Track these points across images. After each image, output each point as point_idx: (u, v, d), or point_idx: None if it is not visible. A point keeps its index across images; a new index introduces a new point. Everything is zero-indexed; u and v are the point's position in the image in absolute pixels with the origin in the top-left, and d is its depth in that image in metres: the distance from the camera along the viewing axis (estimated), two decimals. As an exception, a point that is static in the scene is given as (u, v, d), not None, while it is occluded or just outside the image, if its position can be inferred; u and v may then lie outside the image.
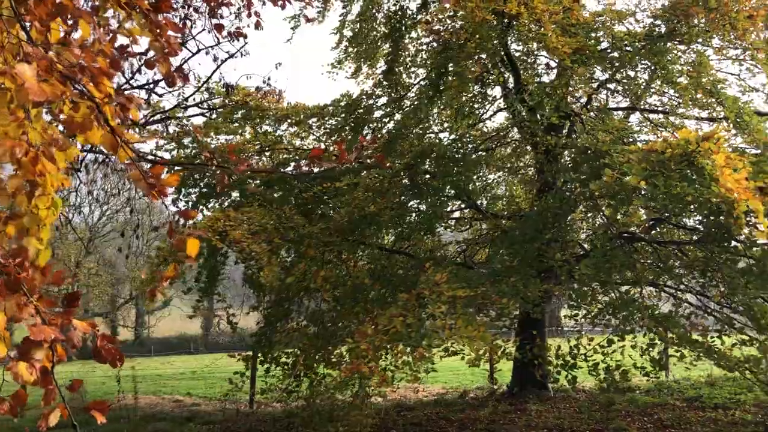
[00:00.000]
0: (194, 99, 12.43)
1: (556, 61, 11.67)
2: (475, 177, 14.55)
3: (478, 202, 14.52)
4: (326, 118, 13.51)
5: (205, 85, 12.13)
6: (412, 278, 9.37)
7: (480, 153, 14.38)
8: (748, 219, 6.54)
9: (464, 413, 11.71)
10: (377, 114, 13.34)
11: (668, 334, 8.63)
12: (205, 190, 10.88)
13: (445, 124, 12.99)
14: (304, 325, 10.13)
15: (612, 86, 12.52)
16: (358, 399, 7.93)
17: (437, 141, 12.03)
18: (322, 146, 14.17)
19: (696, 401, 11.84)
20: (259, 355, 10.81)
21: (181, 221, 10.67)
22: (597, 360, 9.56)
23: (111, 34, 2.89)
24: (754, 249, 8.13)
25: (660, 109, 13.41)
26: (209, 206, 10.94)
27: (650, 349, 9.60)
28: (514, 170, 16.69)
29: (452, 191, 12.80)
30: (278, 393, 10.50)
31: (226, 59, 9.94)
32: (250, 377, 12.90)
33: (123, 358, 2.12)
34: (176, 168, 8.88)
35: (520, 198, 15.99)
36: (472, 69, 9.82)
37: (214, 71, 8.06)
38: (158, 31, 2.96)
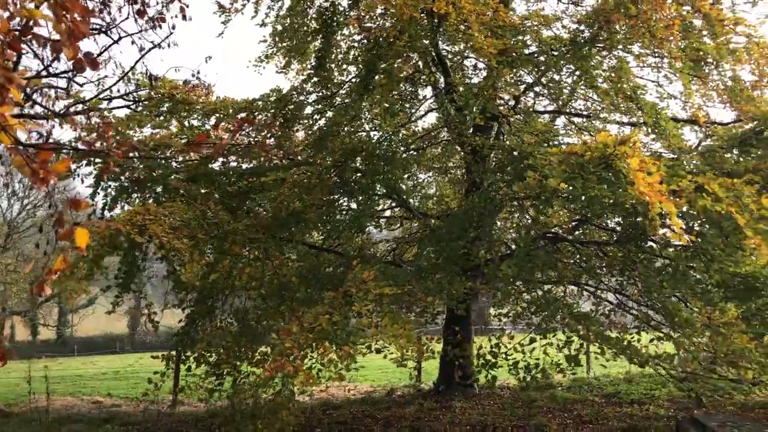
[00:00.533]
0: (119, 90, 12.00)
1: (485, 62, 11.87)
2: (405, 176, 14.65)
3: (409, 201, 14.62)
4: (256, 113, 13.27)
5: (128, 75, 11.72)
6: (340, 276, 9.32)
7: (411, 152, 14.50)
8: (663, 221, 6.78)
9: (390, 411, 11.74)
10: (308, 111, 13.23)
11: (587, 332, 8.90)
12: (126, 183, 10.50)
13: (376, 122, 12.97)
14: (228, 323, 9.92)
15: (538, 89, 12.79)
16: (282, 397, 7.82)
17: (367, 139, 11.99)
18: (252, 141, 14.00)
19: (614, 397, 12.24)
20: (185, 354, 10.54)
21: (99, 213, 10.36)
22: (517, 359, 9.76)
23: (8, 13, 2.72)
24: (669, 249, 8.47)
25: (584, 113, 13.83)
26: (131, 201, 10.57)
27: (567, 346, 9.88)
28: (443, 170, 16.89)
29: (382, 190, 12.82)
30: (201, 392, 10.25)
31: (150, 48, 9.57)
32: (173, 377, 12.57)
33: (5, 356, 1.97)
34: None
35: (449, 197, 16.18)
36: (402, 67, 9.83)
37: (138, 60, 7.74)
38: (63, 13, 2.80)
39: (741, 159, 9.55)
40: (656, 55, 10.55)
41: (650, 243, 8.00)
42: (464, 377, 12.67)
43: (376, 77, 9.91)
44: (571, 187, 6.91)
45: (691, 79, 11.19)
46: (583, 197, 6.85)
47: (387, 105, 10.03)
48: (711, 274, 7.93)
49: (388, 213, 17.14)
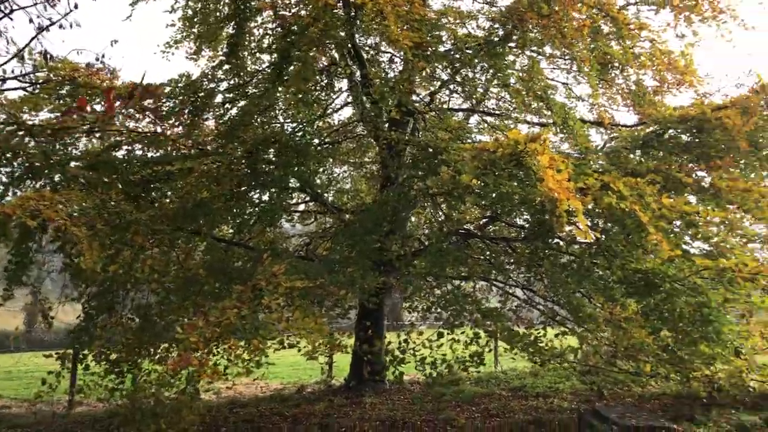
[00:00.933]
0: (13, 71, 11.21)
1: (401, 57, 11.86)
2: (320, 170, 14.47)
3: (323, 195, 14.44)
4: (163, 100, 12.70)
5: (24, 55, 10.96)
6: (250, 270, 9.04)
7: (326, 146, 14.32)
8: (569, 218, 6.91)
9: (299, 408, 11.54)
10: (220, 99, 12.80)
11: (495, 327, 9.02)
12: (19, 171, 9.78)
13: (290, 112, 12.71)
14: (129, 318, 9.43)
15: (453, 87, 12.88)
16: (186, 395, 7.49)
17: (281, 129, 11.72)
18: (158, 129, 13.43)
19: (520, 390, 12.51)
20: (83, 352, 9.92)
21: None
22: (424, 354, 9.75)
23: None
24: (575, 246, 8.69)
25: (496, 112, 14.09)
26: (24, 188, 9.86)
27: (474, 342, 9.98)
28: (359, 165, 16.80)
29: (296, 183, 12.58)
30: (100, 391, 9.69)
31: (48, 26, 8.98)
32: (70, 376, 11.89)
33: None
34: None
35: (364, 192, 16.12)
36: (317, 56, 9.62)
37: (33, 38, 7.22)
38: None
39: (643, 160, 9.92)
40: (566, 56, 10.82)
41: (557, 240, 8.16)
42: (375, 373, 12.64)
43: (291, 66, 9.66)
44: (482, 184, 6.94)
45: (598, 82, 11.56)
46: (494, 194, 6.89)
47: (302, 95, 9.79)
48: (613, 270, 8.18)
49: (302, 207, 16.95)
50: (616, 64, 12.55)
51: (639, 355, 9.59)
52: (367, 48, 13.30)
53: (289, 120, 13.23)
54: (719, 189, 8.35)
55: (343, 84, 14.02)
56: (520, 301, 10.19)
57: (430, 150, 9.72)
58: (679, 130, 9.99)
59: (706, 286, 7.58)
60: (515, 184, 6.90)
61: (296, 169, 11.05)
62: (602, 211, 7.39)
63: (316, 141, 13.94)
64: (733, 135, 8.95)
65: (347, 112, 16.09)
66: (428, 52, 9.43)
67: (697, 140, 9.67)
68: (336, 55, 12.52)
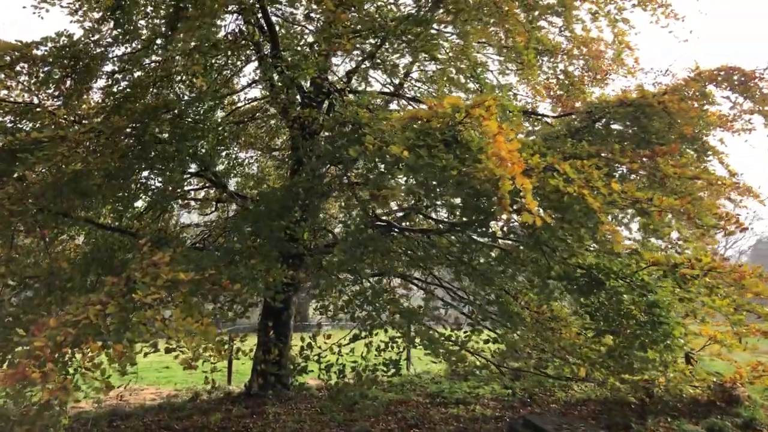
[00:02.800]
0: None
1: (317, 25, 10.63)
2: (224, 153, 13.02)
3: (226, 181, 12.98)
4: (39, 64, 10.87)
5: None
6: (128, 261, 7.54)
7: (230, 125, 12.82)
8: (514, 200, 5.90)
9: (191, 420, 10.06)
10: (109, 69, 11.11)
11: (411, 330, 7.94)
12: None
13: (189, 81, 11.18)
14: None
15: (376, 60, 11.72)
16: (37, 409, 5.93)
17: (176, 98, 10.19)
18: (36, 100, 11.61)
19: (438, 397, 11.52)
20: None
21: None
22: (331, 361, 8.53)
23: None
24: (510, 237, 7.71)
25: (420, 98, 13.05)
26: None
27: (390, 347, 8.85)
28: (267, 149, 15.37)
29: (193, 163, 11.10)
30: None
31: None
32: None
33: None
34: None
35: (272, 177, 14.69)
36: (217, 10, 8.15)
37: None
38: None
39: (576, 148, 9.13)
40: (499, 29, 9.90)
41: (492, 230, 7.14)
42: (279, 378, 11.29)
43: (186, 14, 8.19)
44: (416, 156, 5.81)
45: (537, 58, 10.77)
46: (429, 168, 5.77)
47: (198, 46, 8.34)
48: (552, 264, 7.28)
49: (202, 196, 15.35)
50: (546, 50, 11.86)
51: (571, 358, 8.80)
52: (279, 19, 11.94)
53: (188, 89, 11.68)
54: (665, 176, 7.60)
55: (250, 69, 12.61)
56: (444, 302, 9.09)
57: (351, 126, 8.53)
58: (617, 116, 9.25)
59: (655, 284, 6.78)
60: (451, 157, 5.82)
61: (193, 147, 9.60)
62: (547, 196, 6.41)
63: (220, 114, 12.51)
64: (679, 120, 8.27)
65: (255, 93, 14.39)
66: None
67: (636, 126, 8.96)
68: (242, 28, 11.13)
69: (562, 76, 12.63)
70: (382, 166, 6.73)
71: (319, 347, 8.55)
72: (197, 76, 9.61)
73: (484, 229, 7.03)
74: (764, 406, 9.16)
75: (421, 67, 11.88)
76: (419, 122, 6.13)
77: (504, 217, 6.73)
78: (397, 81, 12.62)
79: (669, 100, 8.48)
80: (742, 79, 9.22)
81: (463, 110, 5.84)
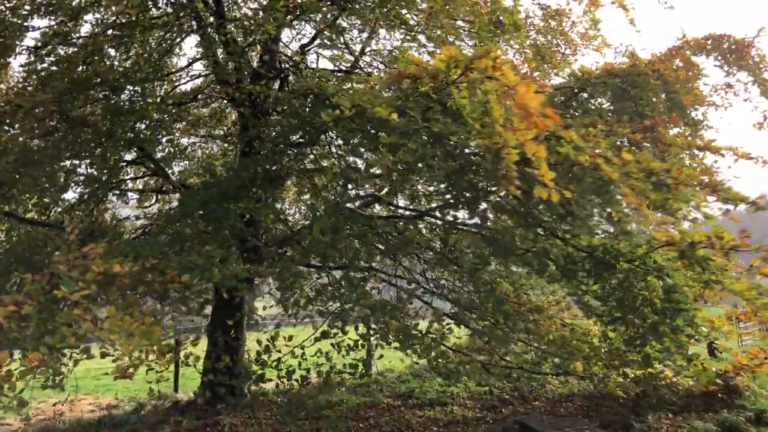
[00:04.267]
0: None
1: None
2: (164, 140, 11.77)
3: (167, 169, 11.72)
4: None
5: None
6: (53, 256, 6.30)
7: (170, 106, 11.54)
8: (523, 167, 4.99)
9: (134, 437, 8.84)
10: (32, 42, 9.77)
11: (386, 326, 6.95)
12: None
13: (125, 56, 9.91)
14: None
15: (332, 34, 10.68)
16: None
17: (109, 68, 8.91)
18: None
19: (409, 398, 10.56)
20: None
21: None
22: (292, 365, 7.46)
23: None
24: (502, 218, 6.81)
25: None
26: None
27: (361, 345, 7.84)
28: (213, 136, 14.08)
29: (129, 148, 9.88)
30: None
31: None
32: None
33: None
34: None
35: (218, 164, 13.40)
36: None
37: None
38: None
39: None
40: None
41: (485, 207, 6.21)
42: (233, 388, 10.09)
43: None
44: (406, 119, 4.82)
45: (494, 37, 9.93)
46: (421, 135, 4.79)
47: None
48: (550, 247, 6.43)
49: (141, 185, 13.96)
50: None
51: (562, 351, 8.02)
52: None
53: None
54: (667, 147, 6.85)
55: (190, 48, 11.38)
56: (426, 291, 8.13)
57: (312, 96, 7.48)
58: (602, 89, 8.48)
59: (671, 267, 5.98)
60: (449, 120, 4.86)
61: (129, 122, 8.39)
62: (553, 167, 5.52)
63: (159, 93, 11.27)
64: (677, 89, 7.54)
65: (198, 74, 13.06)
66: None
67: (625, 99, 8.20)
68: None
69: (530, 52, 11.86)
70: (359, 137, 5.70)
71: (279, 351, 7.47)
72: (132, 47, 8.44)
73: (474, 208, 6.10)
74: (765, 396, 8.57)
75: (381, 43, 10.90)
76: (407, 81, 5.14)
77: (502, 193, 5.86)
78: (353, 57, 11.61)
79: (665, 68, 7.75)
80: (733, 47, 8.58)
81: (462, 64, 4.86)
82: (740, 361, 8.49)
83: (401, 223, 8.37)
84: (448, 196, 6.33)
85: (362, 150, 5.48)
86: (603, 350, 8.07)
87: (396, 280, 9.81)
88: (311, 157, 10.25)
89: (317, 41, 11.37)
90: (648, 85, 7.89)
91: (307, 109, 7.09)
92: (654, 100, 7.98)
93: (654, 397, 8.40)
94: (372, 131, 5.20)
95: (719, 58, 8.56)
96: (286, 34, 12.64)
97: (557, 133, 5.69)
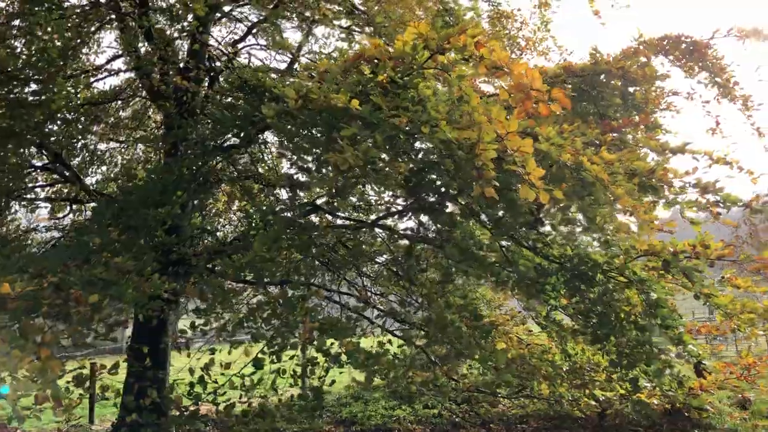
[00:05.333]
0: None
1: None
2: (78, 144, 10.66)
3: (81, 176, 10.54)
4: None
5: None
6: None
7: (86, 105, 10.38)
8: (499, 164, 4.29)
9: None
10: None
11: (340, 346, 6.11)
12: None
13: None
14: None
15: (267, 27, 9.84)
16: None
17: (9, 54, 7.78)
18: None
19: (353, 423, 9.71)
20: None
21: None
22: (231, 397, 6.47)
23: None
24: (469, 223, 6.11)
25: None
26: None
27: (310, 371, 6.92)
28: (135, 139, 12.87)
29: (38, 151, 8.76)
30: None
31: None
32: None
33: None
34: None
35: (140, 171, 12.25)
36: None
37: None
38: None
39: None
40: None
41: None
42: (156, 412, 8.96)
43: None
44: (369, 106, 4.05)
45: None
46: (389, 125, 4.03)
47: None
48: (515, 258, 5.77)
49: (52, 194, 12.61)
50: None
51: (521, 371, 7.38)
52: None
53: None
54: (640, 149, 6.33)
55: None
56: (380, 312, 7.29)
57: (249, 89, 6.61)
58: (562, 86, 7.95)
59: (654, 280, 5.42)
60: (420, 109, 4.12)
61: (34, 120, 7.28)
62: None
63: (75, 89, 10.09)
64: (644, 88, 7.09)
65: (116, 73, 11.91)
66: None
67: (584, 99, 7.70)
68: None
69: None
70: (308, 133, 4.88)
71: (215, 381, 6.47)
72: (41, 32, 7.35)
73: (437, 215, 5.38)
74: (730, 414, 8.17)
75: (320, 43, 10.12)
76: (369, 62, 4.37)
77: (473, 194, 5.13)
78: (290, 57, 10.79)
79: (629, 65, 7.29)
80: (692, 48, 8.24)
81: (434, 43, 4.13)
82: (706, 379, 8.07)
83: (348, 234, 7.57)
84: (407, 201, 5.58)
85: (314, 148, 4.65)
86: (564, 369, 7.52)
87: (339, 297, 9.00)
88: (245, 160, 9.36)
89: (251, 40, 10.55)
90: (608, 85, 7.43)
91: (243, 102, 6.22)
92: (616, 101, 7.51)
93: (617, 416, 7.88)
94: (326, 124, 4.40)
95: (679, 58, 8.21)
96: (217, 33, 11.76)
97: (532, 130, 5.07)
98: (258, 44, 11.15)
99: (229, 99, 7.17)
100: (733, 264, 5.33)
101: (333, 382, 7.43)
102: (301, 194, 7.09)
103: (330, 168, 4.51)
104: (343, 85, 4.23)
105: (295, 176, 5.70)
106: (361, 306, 6.60)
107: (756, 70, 8.55)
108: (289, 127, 4.90)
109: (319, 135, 4.53)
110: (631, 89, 7.34)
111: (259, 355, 6.42)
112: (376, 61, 4.33)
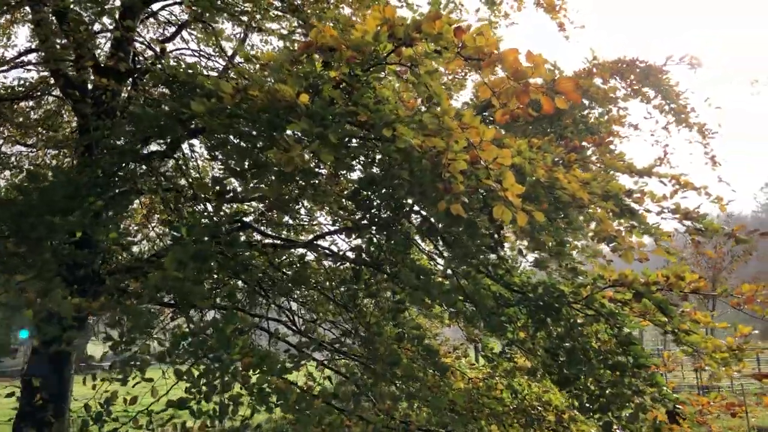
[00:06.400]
0: None
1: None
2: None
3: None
4: None
5: None
6: None
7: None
8: (470, 184, 3.71)
9: None
10: None
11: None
12: None
13: None
14: None
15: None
16: None
17: None
18: None
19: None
20: None
21: None
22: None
23: None
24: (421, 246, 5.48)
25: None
26: None
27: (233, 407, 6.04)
28: (46, 142, 11.71)
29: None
30: None
31: None
32: None
33: None
34: None
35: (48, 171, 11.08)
36: None
37: None
38: None
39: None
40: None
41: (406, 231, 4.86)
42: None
43: None
44: (321, 101, 3.40)
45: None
46: (345, 118, 3.39)
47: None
48: (468, 282, 5.19)
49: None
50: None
51: (469, 409, 6.79)
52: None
53: None
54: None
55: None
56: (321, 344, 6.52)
57: (177, 85, 5.82)
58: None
59: (626, 316, 4.95)
60: (385, 103, 3.51)
61: None
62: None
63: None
64: (606, 108, 6.73)
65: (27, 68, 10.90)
66: None
67: (539, 120, 7.28)
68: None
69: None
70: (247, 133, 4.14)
71: (114, 419, 5.49)
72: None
73: (398, 229, 4.73)
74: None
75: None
76: (325, 52, 3.71)
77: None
78: (225, 61, 10.06)
79: (589, 84, 6.92)
80: (647, 72, 7.98)
81: (401, 31, 3.51)
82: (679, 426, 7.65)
83: (285, 256, 6.82)
84: (357, 217, 4.92)
85: (253, 149, 3.93)
86: (512, 408, 6.98)
87: (268, 323, 8.22)
88: (169, 169, 8.51)
89: (181, 45, 9.73)
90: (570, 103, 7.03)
91: (169, 98, 5.45)
92: (569, 121, 7.14)
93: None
94: (268, 123, 3.70)
95: (633, 82, 7.93)
96: (145, 33, 10.88)
97: (500, 141, 4.52)
98: (189, 49, 10.39)
99: (155, 96, 6.35)
100: (705, 298, 4.93)
101: (258, 426, 6.64)
102: (229, 208, 6.35)
103: (270, 174, 3.81)
104: (290, 78, 3.55)
105: (225, 182, 4.92)
106: (303, 341, 5.83)
107: (706, 101, 8.32)
108: (222, 125, 4.17)
109: (259, 135, 3.82)
110: (586, 112, 6.98)
111: (184, 394, 5.56)
112: (330, 51, 3.68)
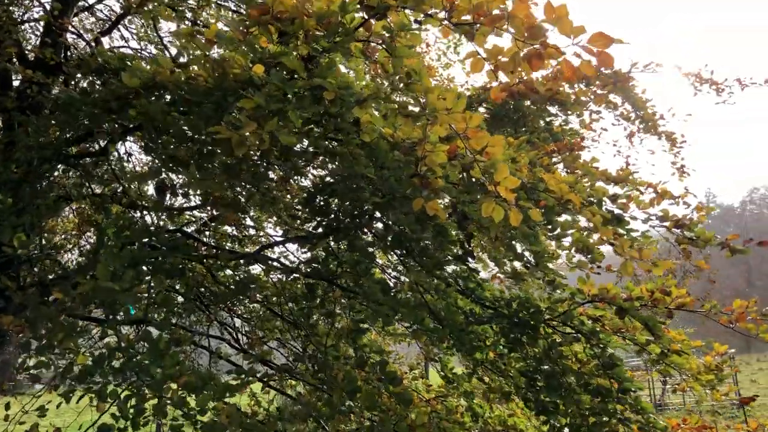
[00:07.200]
0: None
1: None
2: None
3: None
4: None
5: None
6: None
7: None
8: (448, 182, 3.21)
9: None
10: None
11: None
12: None
13: None
14: None
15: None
16: None
17: None
18: None
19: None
20: None
21: None
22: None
23: None
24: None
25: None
26: None
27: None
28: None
29: None
30: None
31: None
32: None
33: None
34: None
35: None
36: None
37: None
38: None
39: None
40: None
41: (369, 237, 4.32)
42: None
43: None
44: (284, 73, 2.85)
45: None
46: (307, 95, 2.85)
47: None
48: (445, 301, 4.67)
49: None
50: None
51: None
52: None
53: None
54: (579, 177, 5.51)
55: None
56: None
57: (109, 72, 5.15)
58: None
59: (608, 336, 4.51)
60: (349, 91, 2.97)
61: None
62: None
63: None
64: (576, 113, 6.37)
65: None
66: None
67: (508, 123, 6.89)
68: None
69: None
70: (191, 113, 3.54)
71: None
72: None
73: (354, 239, 4.16)
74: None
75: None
76: (294, 22, 3.14)
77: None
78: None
79: (556, 87, 6.56)
80: (614, 79, 7.69)
81: (374, -2, 2.99)
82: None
83: (230, 266, 6.15)
84: (312, 224, 4.34)
85: (196, 134, 3.33)
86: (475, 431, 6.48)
87: (209, 341, 7.55)
88: (105, 173, 7.77)
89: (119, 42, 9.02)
90: (529, 110, 6.67)
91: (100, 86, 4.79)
92: (536, 126, 6.78)
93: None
94: (214, 104, 3.11)
95: (599, 87, 7.62)
96: (79, 26, 10.07)
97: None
98: (129, 47, 9.63)
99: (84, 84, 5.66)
100: (692, 315, 4.53)
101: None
102: (170, 214, 5.69)
103: (216, 163, 3.23)
104: (241, 47, 2.99)
105: (163, 176, 4.29)
106: (248, 357, 5.17)
107: (669, 110, 8.07)
108: (161, 111, 3.55)
109: (204, 119, 3.23)
110: (549, 119, 6.63)
111: (108, 420, 4.84)
112: (290, 20, 3.12)
